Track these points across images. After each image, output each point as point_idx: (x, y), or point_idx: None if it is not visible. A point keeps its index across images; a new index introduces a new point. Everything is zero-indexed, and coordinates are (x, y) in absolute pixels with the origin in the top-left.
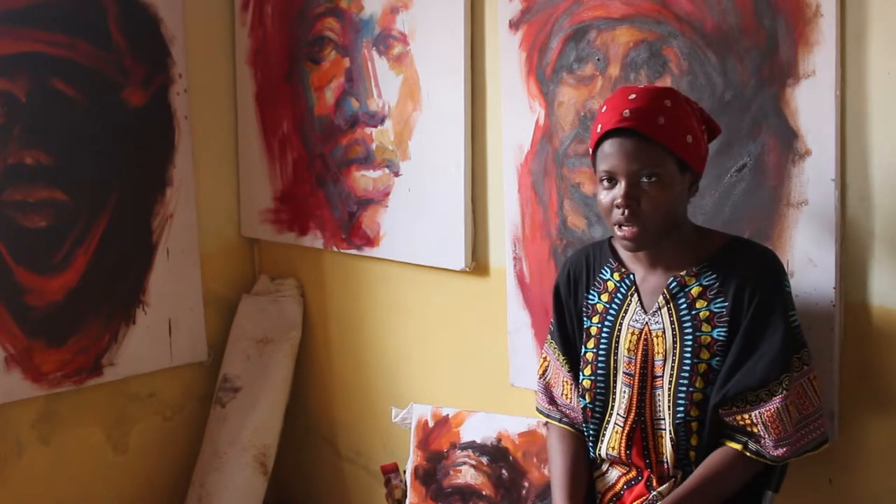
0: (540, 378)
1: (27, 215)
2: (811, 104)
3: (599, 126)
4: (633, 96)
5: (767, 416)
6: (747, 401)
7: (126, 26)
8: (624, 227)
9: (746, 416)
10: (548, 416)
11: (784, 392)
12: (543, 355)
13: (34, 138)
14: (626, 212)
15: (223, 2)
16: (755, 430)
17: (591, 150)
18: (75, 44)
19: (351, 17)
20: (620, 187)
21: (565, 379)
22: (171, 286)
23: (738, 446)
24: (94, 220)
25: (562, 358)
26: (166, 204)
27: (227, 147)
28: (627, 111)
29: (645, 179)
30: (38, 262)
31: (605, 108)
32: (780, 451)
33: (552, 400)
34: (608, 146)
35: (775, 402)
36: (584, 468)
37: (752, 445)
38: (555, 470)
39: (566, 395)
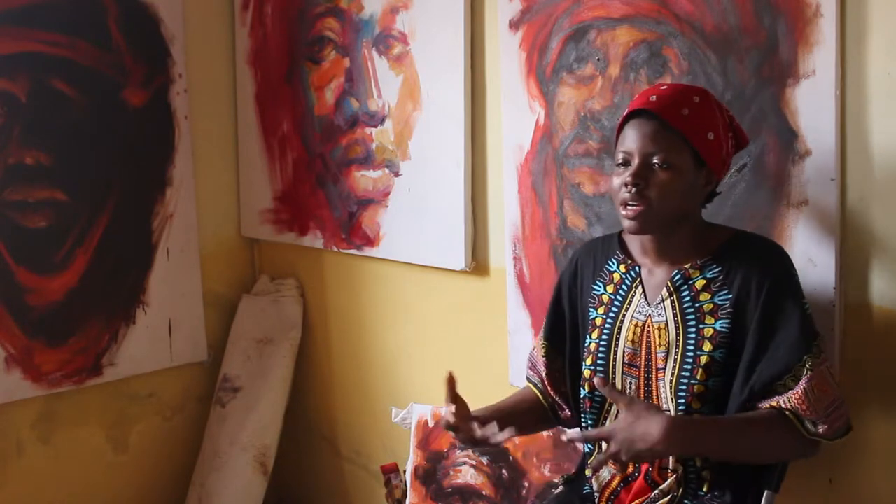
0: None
1: (27, 215)
2: (811, 104)
3: (627, 111)
4: (664, 87)
5: (796, 400)
6: (775, 392)
7: (126, 26)
8: (629, 206)
9: (774, 402)
10: (528, 379)
11: (809, 373)
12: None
13: (34, 138)
14: (634, 190)
15: (223, 2)
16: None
17: (615, 139)
18: (75, 44)
19: (351, 17)
20: (632, 167)
21: (540, 357)
22: (171, 286)
23: (777, 406)
24: (94, 220)
25: (543, 343)
26: (166, 204)
27: (227, 147)
28: (654, 96)
29: (657, 164)
30: (38, 262)
31: (634, 97)
32: (820, 429)
33: (533, 366)
34: (629, 128)
35: (801, 385)
36: (528, 415)
37: (790, 414)
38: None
39: (536, 360)
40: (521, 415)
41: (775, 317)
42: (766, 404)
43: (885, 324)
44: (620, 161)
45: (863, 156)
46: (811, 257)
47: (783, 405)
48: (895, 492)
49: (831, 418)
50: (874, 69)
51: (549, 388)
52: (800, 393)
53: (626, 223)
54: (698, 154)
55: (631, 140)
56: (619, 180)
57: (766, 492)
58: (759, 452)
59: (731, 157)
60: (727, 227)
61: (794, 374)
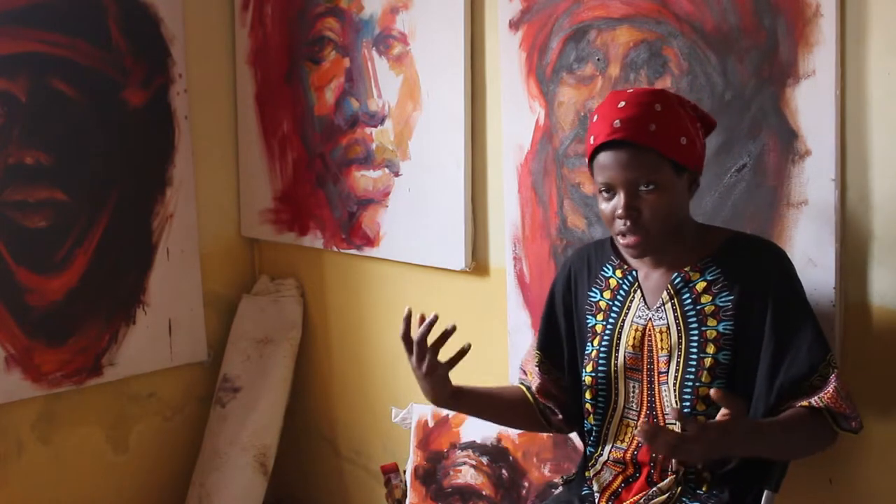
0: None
1: (27, 215)
2: (811, 104)
3: (592, 138)
4: (622, 104)
5: (829, 399)
6: (803, 392)
7: (126, 26)
8: (627, 237)
9: (806, 402)
10: (521, 382)
11: (835, 370)
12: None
13: (34, 138)
14: (628, 222)
15: (223, 2)
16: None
17: (587, 160)
18: (75, 44)
19: (351, 17)
20: (620, 198)
21: (533, 366)
22: (171, 286)
23: (808, 404)
24: (94, 220)
25: (536, 353)
26: (166, 204)
27: (227, 147)
28: (618, 121)
29: (643, 188)
30: (38, 262)
31: (595, 117)
32: (853, 424)
33: (526, 373)
34: (603, 158)
35: (832, 384)
36: (515, 409)
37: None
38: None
39: (529, 369)
40: (508, 405)
41: (788, 318)
42: (797, 404)
43: (885, 324)
44: (603, 189)
45: (863, 156)
46: (811, 257)
47: (816, 404)
48: (895, 491)
49: (857, 412)
50: (874, 69)
51: (540, 396)
52: (832, 391)
53: (628, 251)
54: (677, 162)
55: (610, 170)
56: (608, 207)
57: (765, 492)
58: (797, 450)
59: (705, 146)
60: (723, 229)
61: (821, 373)
